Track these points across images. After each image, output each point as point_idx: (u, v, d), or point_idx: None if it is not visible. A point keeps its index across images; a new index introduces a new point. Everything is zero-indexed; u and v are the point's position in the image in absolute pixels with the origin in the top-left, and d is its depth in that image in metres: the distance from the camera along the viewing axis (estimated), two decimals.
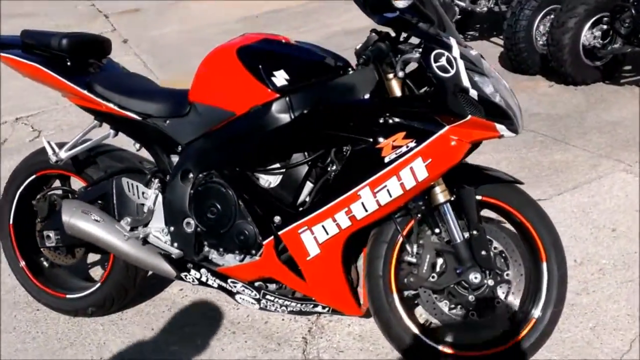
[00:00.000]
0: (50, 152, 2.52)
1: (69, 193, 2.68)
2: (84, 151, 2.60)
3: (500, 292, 2.23)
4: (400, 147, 2.03)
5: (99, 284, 2.68)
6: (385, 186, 2.06)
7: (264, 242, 2.22)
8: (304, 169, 2.20)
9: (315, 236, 2.15)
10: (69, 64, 2.50)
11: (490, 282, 2.21)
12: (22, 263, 2.78)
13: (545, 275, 2.25)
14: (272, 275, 2.28)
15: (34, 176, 2.70)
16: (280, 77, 2.15)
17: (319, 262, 2.18)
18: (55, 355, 2.59)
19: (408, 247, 2.20)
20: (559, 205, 3.24)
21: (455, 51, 2.02)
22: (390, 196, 2.06)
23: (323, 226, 2.13)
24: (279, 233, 2.19)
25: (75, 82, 2.48)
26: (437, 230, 2.19)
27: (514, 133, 2.10)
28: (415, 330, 2.23)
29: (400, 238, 2.21)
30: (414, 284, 2.21)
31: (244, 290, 2.35)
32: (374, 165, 2.06)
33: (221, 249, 2.33)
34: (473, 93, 2.00)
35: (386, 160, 2.04)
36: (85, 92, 2.46)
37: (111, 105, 2.44)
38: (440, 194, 2.15)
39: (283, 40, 2.29)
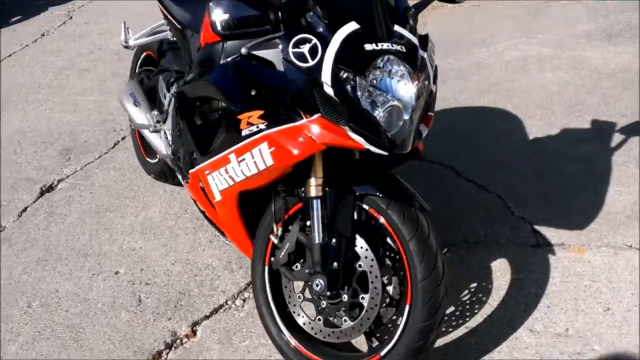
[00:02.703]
0: (122, 36, 2.96)
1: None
2: (165, 43, 2.98)
3: (351, 314, 2.03)
4: (252, 125, 1.95)
5: (157, 159, 3.16)
6: (244, 159, 2.01)
7: (190, 172, 2.38)
8: (216, 115, 2.24)
9: (215, 182, 2.21)
10: None
11: (345, 298, 2.03)
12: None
13: (404, 318, 1.96)
14: (197, 202, 2.45)
15: (144, 54, 3.21)
16: (225, 21, 2.14)
17: (222, 206, 2.25)
18: (118, 200, 3.23)
19: (274, 228, 2.13)
20: None
21: (334, 42, 1.80)
22: (250, 171, 2.01)
23: (217, 176, 2.18)
24: (195, 168, 2.32)
25: None
26: (308, 223, 2.06)
27: (380, 150, 1.82)
28: (273, 308, 2.20)
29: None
30: (273, 264, 2.15)
31: (195, 207, 2.58)
32: (236, 135, 2.02)
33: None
34: (328, 90, 1.78)
35: (242, 133, 1.99)
36: None
37: (165, 10, 2.75)
38: (312, 187, 2.00)
39: None
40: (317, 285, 2.01)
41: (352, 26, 1.83)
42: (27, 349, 2.43)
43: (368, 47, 1.82)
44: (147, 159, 3.29)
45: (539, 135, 3.32)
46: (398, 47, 1.87)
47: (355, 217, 2.02)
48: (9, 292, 2.71)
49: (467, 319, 2.35)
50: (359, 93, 1.81)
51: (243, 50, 1.93)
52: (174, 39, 2.90)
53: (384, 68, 1.83)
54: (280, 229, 2.11)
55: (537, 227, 2.72)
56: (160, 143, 2.80)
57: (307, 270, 2.04)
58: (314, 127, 1.84)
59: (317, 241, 1.99)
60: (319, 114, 1.82)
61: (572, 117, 3.42)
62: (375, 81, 1.83)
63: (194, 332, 2.46)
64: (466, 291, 2.47)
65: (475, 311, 2.38)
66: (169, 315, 2.52)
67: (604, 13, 4.50)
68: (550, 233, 2.68)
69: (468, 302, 2.42)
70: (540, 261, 2.55)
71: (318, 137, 1.85)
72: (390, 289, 2.03)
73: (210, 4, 2.14)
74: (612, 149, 3.12)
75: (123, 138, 3.74)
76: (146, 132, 2.83)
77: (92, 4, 5.91)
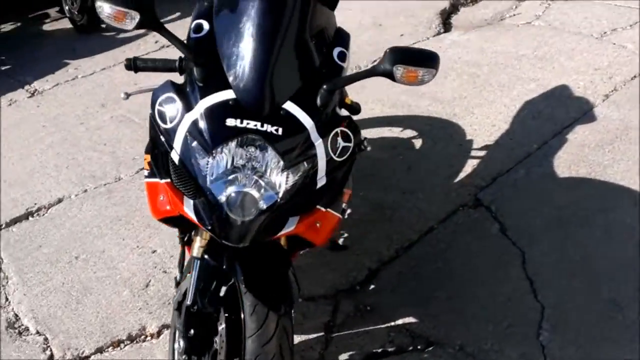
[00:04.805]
0: None
1: None
2: None
3: None
4: (145, 168, 1.92)
5: None
6: None
7: None
8: None
9: None
10: None
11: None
12: None
13: None
14: None
15: None
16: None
17: None
18: None
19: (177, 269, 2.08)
20: None
21: (196, 109, 1.66)
22: None
23: None
24: None
25: None
26: None
27: (212, 234, 1.67)
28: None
29: None
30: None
31: None
32: None
33: None
34: (174, 156, 1.68)
35: (144, 173, 1.96)
36: None
37: None
38: (196, 247, 1.89)
39: None
40: (178, 345, 1.94)
41: (224, 95, 1.67)
42: (44, 296, 2.79)
43: (230, 122, 1.65)
44: None
45: None
46: (271, 129, 1.64)
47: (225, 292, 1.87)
48: (76, 238, 3.10)
49: None
50: (207, 168, 1.65)
51: (122, 95, 1.89)
52: None
53: (242, 149, 1.64)
54: (179, 273, 2.07)
55: None
56: None
57: (177, 325, 1.98)
58: (164, 191, 1.76)
59: (187, 302, 1.90)
60: (166, 180, 1.72)
61: None
62: (229, 161, 1.65)
63: (159, 334, 2.56)
64: None
65: None
66: (153, 309, 2.66)
67: None
68: None
69: None
70: None
71: (173, 203, 1.76)
72: None
73: None
74: None
75: None
76: None
77: None
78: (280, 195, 1.65)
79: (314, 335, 2.44)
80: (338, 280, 2.67)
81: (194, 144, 1.66)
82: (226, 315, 1.85)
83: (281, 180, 1.65)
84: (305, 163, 1.68)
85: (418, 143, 3.45)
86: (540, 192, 2.97)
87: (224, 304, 1.86)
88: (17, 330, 2.65)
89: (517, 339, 2.29)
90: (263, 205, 1.64)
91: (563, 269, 2.54)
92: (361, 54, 4.31)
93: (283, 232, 1.73)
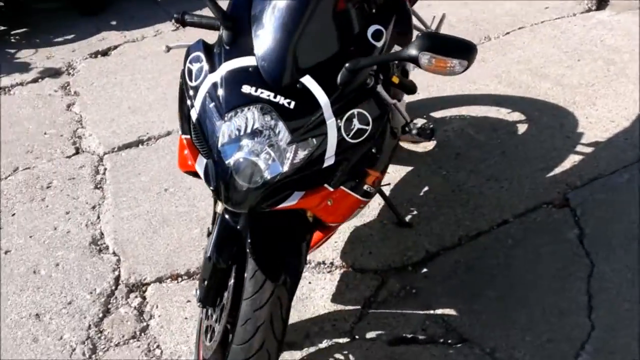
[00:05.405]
0: None
1: None
2: None
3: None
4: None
5: None
6: None
7: None
8: None
9: None
10: None
11: (213, 319, 2.02)
12: None
13: None
14: None
15: None
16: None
17: None
18: None
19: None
20: None
21: (219, 71, 1.71)
22: None
23: None
24: None
25: None
26: None
27: (215, 195, 1.72)
28: None
29: None
30: None
31: None
32: None
33: None
34: (193, 115, 1.75)
35: None
36: None
37: None
38: (219, 204, 1.96)
39: None
40: (195, 292, 2.04)
41: (246, 61, 1.70)
42: (129, 220, 3.03)
43: (245, 89, 1.68)
44: None
45: None
46: (284, 101, 1.65)
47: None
48: (171, 171, 3.30)
49: None
50: (221, 131, 1.69)
51: (163, 48, 1.96)
52: None
53: (261, 116, 1.66)
54: (211, 224, 2.15)
55: None
56: None
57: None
58: (188, 145, 1.83)
59: (207, 253, 1.99)
60: (184, 135, 1.80)
61: None
62: (245, 127, 1.67)
63: None
64: None
65: None
66: None
67: None
68: None
69: None
70: None
71: (191, 157, 1.83)
72: None
73: None
74: None
75: None
76: None
77: None
78: (286, 168, 1.66)
79: (351, 307, 2.45)
80: (392, 257, 2.64)
81: (211, 105, 1.71)
82: (235, 273, 1.91)
83: (288, 154, 1.65)
84: (314, 140, 1.67)
85: (522, 128, 3.24)
86: (637, 204, 2.70)
87: (236, 262, 1.92)
88: (98, 247, 2.91)
89: (553, 356, 2.15)
90: (267, 175, 1.67)
91: (631, 292, 2.32)
92: (496, 23, 4.07)
93: (284, 204, 1.75)
